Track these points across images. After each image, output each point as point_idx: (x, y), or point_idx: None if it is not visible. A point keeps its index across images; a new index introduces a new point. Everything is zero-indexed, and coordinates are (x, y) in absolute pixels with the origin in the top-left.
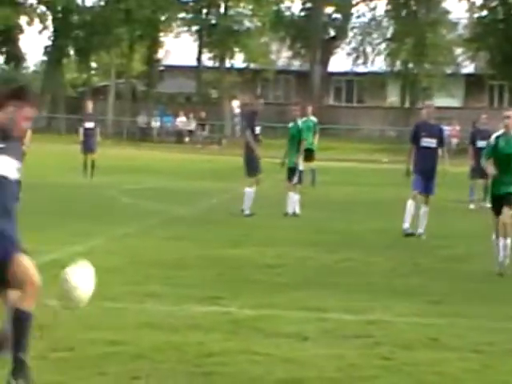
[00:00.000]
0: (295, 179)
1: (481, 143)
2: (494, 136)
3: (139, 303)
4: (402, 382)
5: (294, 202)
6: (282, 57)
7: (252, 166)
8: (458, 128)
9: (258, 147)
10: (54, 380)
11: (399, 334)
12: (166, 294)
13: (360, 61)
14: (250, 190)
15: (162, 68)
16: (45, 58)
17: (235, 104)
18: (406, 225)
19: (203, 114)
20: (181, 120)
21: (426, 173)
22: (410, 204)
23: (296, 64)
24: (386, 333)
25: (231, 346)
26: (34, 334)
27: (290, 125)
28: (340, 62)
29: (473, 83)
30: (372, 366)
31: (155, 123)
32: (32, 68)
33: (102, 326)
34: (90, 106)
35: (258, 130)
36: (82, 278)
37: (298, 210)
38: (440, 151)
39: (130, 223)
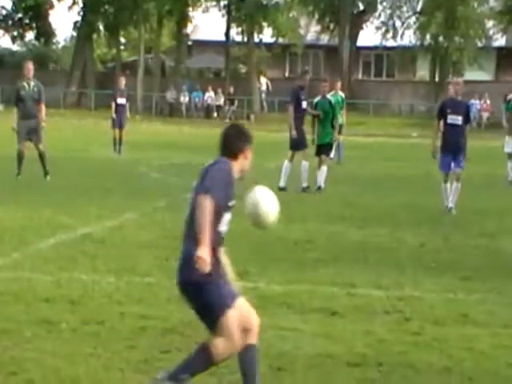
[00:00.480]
0: (331, 155)
1: None
2: None
3: (170, 278)
4: (432, 357)
5: (323, 174)
6: (311, 31)
7: (291, 140)
8: (488, 102)
9: (303, 123)
10: (84, 352)
11: (429, 310)
12: None
13: (389, 35)
14: (305, 164)
15: (190, 43)
16: (74, 34)
17: (263, 80)
18: (447, 202)
19: (231, 90)
20: (209, 95)
21: (452, 150)
22: (444, 186)
23: (325, 39)
24: (416, 309)
25: (260, 321)
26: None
27: (316, 100)
28: (369, 36)
29: (504, 56)
30: (402, 342)
31: (184, 98)
32: (62, 44)
33: (133, 300)
34: (122, 81)
35: (304, 104)
36: (267, 197)
37: (318, 184)
38: (468, 127)
39: (161, 198)
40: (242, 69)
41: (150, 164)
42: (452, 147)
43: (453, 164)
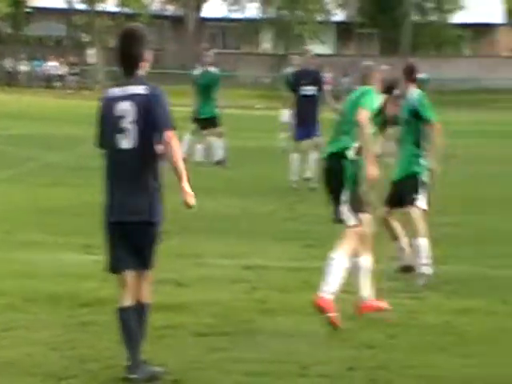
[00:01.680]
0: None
1: None
2: None
3: (10, 252)
4: (277, 325)
5: (220, 149)
6: (156, 1)
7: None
8: (330, 75)
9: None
10: None
11: (275, 278)
12: (38, 243)
13: (234, 7)
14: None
15: (30, 10)
16: None
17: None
18: (295, 177)
19: (73, 59)
20: (51, 64)
21: (307, 120)
22: (294, 158)
23: (170, 9)
24: (263, 277)
25: (105, 294)
26: None
27: (197, 72)
28: (215, 7)
29: (344, 31)
30: (248, 310)
31: (23, 67)
32: None
33: None
34: None
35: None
36: None
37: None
38: (322, 97)
39: (1, 170)
40: (85, 38)
41: None
42: (307, 118)
43: (308, 134)
